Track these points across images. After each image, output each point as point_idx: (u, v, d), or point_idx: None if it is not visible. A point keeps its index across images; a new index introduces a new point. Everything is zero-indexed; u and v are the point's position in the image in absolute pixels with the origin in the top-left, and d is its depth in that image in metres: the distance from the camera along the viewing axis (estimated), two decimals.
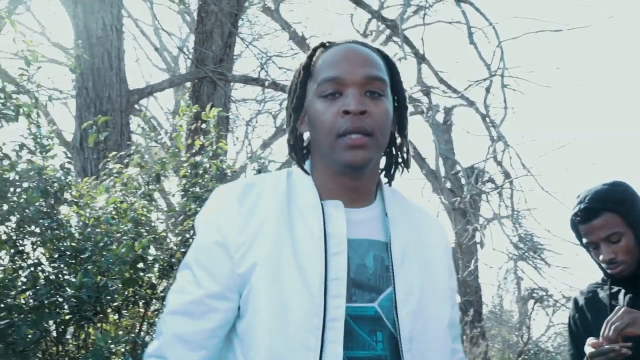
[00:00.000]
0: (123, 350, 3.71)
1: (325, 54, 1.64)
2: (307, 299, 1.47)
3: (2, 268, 3.42)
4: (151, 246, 4.18)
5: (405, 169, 1.72)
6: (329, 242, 1.52)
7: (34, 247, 3.59)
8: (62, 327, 3.38)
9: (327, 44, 1.67)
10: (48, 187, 3.52)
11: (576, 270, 9.55)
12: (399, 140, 1.71)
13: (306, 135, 1.70)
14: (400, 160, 1.71)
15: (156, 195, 4.69)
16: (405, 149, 1.71)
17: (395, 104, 1.68)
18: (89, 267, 3.40)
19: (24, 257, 3.51)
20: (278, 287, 1.49)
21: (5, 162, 3.46)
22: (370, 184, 1.65)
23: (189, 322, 1.55)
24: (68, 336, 3.71)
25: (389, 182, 1.70)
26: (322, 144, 1.59)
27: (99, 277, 3.38)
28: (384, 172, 1.71)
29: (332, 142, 1.55)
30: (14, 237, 3.47)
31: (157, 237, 4.28)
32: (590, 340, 2.23)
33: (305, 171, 1.65)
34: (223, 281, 1.54)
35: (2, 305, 3.11)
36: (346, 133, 1.52)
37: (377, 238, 1.60)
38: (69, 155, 4.00)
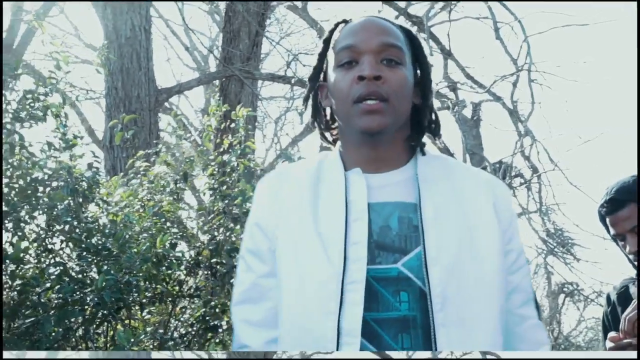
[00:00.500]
0: (151, 347, 3.75)
1: (344, 28, 1.67)
2: (324, 264, 1.49)
3: (29, 266, 3.46)
4: (181, 243, 4.23)
5: (435, 137, 1.72)
6: (349, 209, 1.54)
7: (62, 245, 3.64)
8: (87, 324, 3.42)
9: (349, 20, 1.70)
10: (77, 186, 3.56)
11: (606, 265, 9.42)
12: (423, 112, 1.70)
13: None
14: (427, 128, 1.70)
15: (187, 193, 4.73)
16: (431, 118, 1.71)
17: (419, 78, 1.69)
18: (111, 264, 3.43)
19: (53, 255, 3.55)
20: (297, 256, 1.53)
21: (33, 160, 3.51)
22: (393, 153, 1.63)
23: (252, 308, 1.62)
24: (96, 333, 3.75)
25: (421, 150, 1.67)
26: (340, 113, 1.62)
27: (122, 273, 3.41)
28: (411, 141, 1.68)
29: (348, 109, 1.57)
30: (43, 236, 3.52)
31: (184, 234, 4.32)
32: (611, 334, 2.20)
33: (331, 141, 1.73)
34: (269, 260, 1.60)
35: (29, 303, 3.16)
36: (361, 99, 1.54)
37: (404, 200, 1.57)
38: (97, 154, 4.03)
